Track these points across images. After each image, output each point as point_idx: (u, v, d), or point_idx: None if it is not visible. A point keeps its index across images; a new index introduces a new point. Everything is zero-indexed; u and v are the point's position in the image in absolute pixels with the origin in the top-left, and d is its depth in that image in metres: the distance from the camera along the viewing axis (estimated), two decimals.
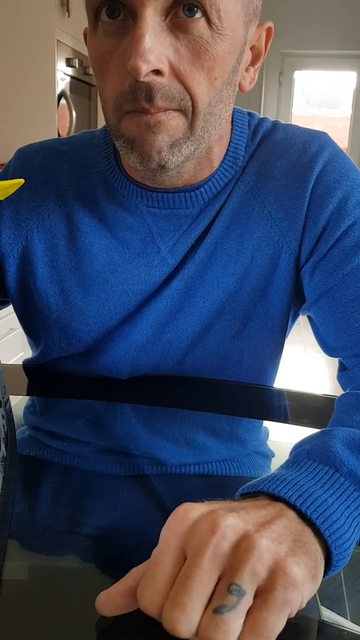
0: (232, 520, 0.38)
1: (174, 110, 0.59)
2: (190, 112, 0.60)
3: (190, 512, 0.39)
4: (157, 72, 0.56)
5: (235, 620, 0.35)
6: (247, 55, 0.65)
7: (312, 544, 0.40)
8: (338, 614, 0.67)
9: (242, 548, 0.37)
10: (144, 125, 0.59)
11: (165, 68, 0.56)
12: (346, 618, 0.68)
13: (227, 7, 0.57)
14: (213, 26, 0.56)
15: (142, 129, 0.59)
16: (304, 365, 3.20)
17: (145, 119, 0.58)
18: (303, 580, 0.37)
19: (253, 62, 0.66)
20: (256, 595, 0.36)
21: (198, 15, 0.56)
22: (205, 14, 0.56)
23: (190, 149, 0.62)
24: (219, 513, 0.38)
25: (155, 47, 0.55)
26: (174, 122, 0.59)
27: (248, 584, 0.36)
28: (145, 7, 0.54)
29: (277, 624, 0.35)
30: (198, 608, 0.35)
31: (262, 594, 0.36)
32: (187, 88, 0.58)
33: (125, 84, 0.58)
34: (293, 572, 0.36)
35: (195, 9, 0.56)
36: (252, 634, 0.35)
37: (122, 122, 0.60)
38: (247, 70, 0.66)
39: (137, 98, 0.57)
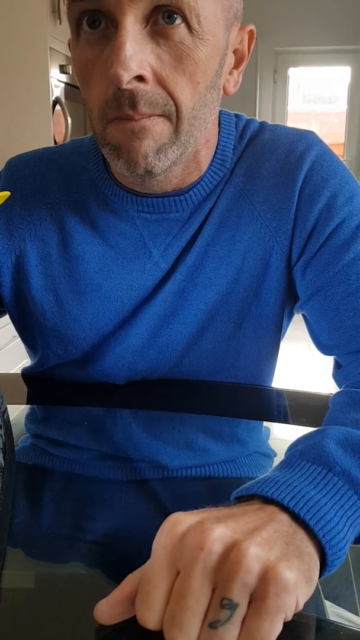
0: (220, 532, 0.38)
1: (158, 115, 0.59)
2: (174, 117, 0.60)
3: (178, 525, 0.39)
4: (140, 78, 0.57)
5: (229, 633, 0.35)
6: (230, 59, 0.65)
7: (305, 547, 0.40)
8: (350, 612, 0.67)
9: (230, 560, 0.37)
10: (129, 131, 0.59)
11: (147, 74, 0.57)
12: (357, 614, 0.68)
13: (206, 12, 0.57)
14: (194, 31, 0.57)
15: (127, 136, 0.60)
16: (308, 362, 3.20)
17: (130, 126, 0.59)
18: (295, 584, 0.37)
19: (237, 65, 0.67)
20: (251, 602, 0.36)
21: (178, 21, 0.56)
22: (185, 20, 0.56)
23: (176, 154, 0.62)
24: (206, 525, 0.38)
25: (137, 54, 0.55)
26: (159, 128, 0.60)
27: (239, 596, 0.36)
28: (125, 16, 0.54)
29: (272, 631, 0.35)
30: (196, 625, 0.36)
31: (255, 601, 0.36)
32: (170, 93, 0.58)
33: (109, 91, 0.58)
34: (285, 577, 0.36)
35: (175, 15, 0.56)
36: None
37: (108, 129, 0.61)
38: (230, 73, 0.66)
39: (121, 105, 0.58)
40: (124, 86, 0.55)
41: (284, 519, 0.41)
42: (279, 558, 0.37)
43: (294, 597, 0.36)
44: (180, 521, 0.40)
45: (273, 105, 5.25)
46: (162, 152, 0.61)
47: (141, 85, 0.57)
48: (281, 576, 0.36)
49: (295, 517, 0.41)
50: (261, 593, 0.36)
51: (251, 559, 0.36)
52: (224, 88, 0.66)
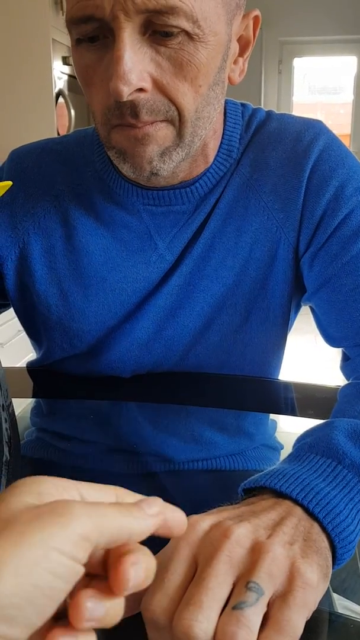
0: (244, 529, 0.38)
1: (161, 121, 0.59)
2: (177, 121, 0.59)
3: (201, 522, 0.39)
4: (140, 89, 0.56)
5: (255, 617, 0.34)
6: (234, 48, 0.63)
7: (321, 541, 0.40)
8: (358, 605, 0.67)
9: (256, 552, 0.37)
10: (133, 138, 0.59)
11: (147, 85, 0.56)
12: None
13: (206, 14, 0.55)
14: (194, 36, 0.55)
15: (131, 142, 0.59)
16: (315, 355, 3.19)
17: (133, 133, 0.59)
18: (317, 582, 0.37)
19: (241, 53, 0.65)
20: (273, 599, 0.36)
21: (176, 31, 0.55)
22: (184, 29, 0.55)
23: (181, 155, 0.62)
24: (229, 522, 0.39)
25: (136, 66, 0.54)
26: (162, 133, 0.59)
27: (266, 583, 0.35)
28: (123, 29, 0.53)
29: (300, 624, 0.35)
30: (215, 607, 0.35)
31: (283, 595, 0.36)
32: (171, 100, 0.58)
33: (111, 99, 0.57)
34: (309, 574, 0.36)
35: (173, 29, 0.55)
36: (279, 634, 0.34)
37: (112, 134, 0.61)
38: (235, 62, 0.65)
39: (123, 114, 0.58)
40: (125, 99, 0.55)
41: (299, 513, 0.41)
42: (300, 555, 0.38)
43: (316, 595, 0.37)
44: (203, 519, 0.40)
45: (278, 96, 5.21)
46: (166, 155, 0.61)
47: (142, 95, 0.56)
48: (306, 573, 0.36)
49: (307, 511, 0.41)
50: (288, 587, 0.36)
51: (276, 552, 0.37)
52: (229, 78, 0.65)
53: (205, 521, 0.39)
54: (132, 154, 0.60)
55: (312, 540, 0.39)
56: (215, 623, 0.34)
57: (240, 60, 0.65)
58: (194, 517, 0.40)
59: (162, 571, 0.37)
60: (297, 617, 0.35)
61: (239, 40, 0.64)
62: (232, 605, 0.34)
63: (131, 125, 0.58)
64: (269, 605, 0.35)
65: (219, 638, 0.33)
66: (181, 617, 0.34)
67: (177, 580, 0.36)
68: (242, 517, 0.40)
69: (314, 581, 0.36)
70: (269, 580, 0.36)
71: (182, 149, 0.61)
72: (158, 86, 0.57)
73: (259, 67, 4.77)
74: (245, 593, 0.35)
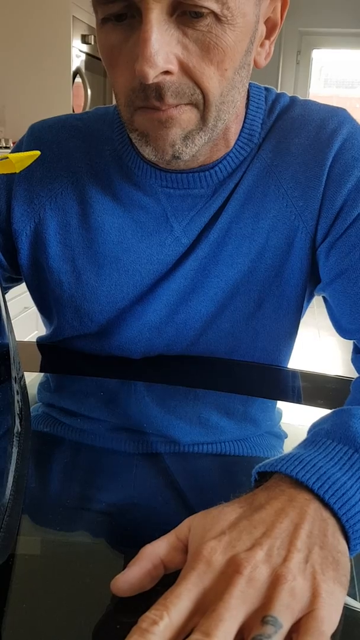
0: (258, 558, 0.37)
1: (186, 104, 0.58)
2: (202, 105, 0.59)
3: (214, 555, 0.38)
4: (166, 72, 0.56)
5: None
6: (261, 31, 0.63)
7: (337, 543, 0.40)
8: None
9: (272, 584, 0.36)
10: (156, 121, 0.59)
11: (173, 68, 0.56)
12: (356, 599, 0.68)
13: None
14: (222, 18, 0.55)
15: (154, 125, 0.59)
16: (317, 348, 3.19)
17: (157, 116, 0.58)
18: (338, 597, 0.36)
19: (268, 35, 0.65)
20: (294, 625, 0.35)
21: (206, 11, 0.54)
22: (213, 10, 0.54)
23: (204, 139, 0.62)
24: (242, 556, 0.37)
25: (162, 49, 0.54)
26: (186, 116, 0.59)
27: (284, 616, 0.34)
28: (151, 9, 0.53)
29: None
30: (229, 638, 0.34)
31: (305, 624, 0.35)
32: (197, 83, 0.57)
33: (135, 81, 0.57)
34: (327, 594, 0.36)
35: (203, 11, 0.54)
36: None
37: (135, 117, 0.60)
38: (262, 45, 0.64)
39: (148, 97, 0.57)
40: (150, 82, 0.55)
41: (313, 510, 0.40)
42: (319, 570, 0.37)
43: (338, 609, 0.36)
44: (215, 550, 0.38)
45: (295, 88, 5.17)
46: (189, 139, 0.60)
47: (167, 78, 0.56)
48: (325, 593, 0.36)
49: (320, 500, 0.41)
50: (309, 608, 0.35)
51: (293, 581, 0.36)
52: (255, 61, 0.64)
53: (218, 554, 0.38)
54: (154, 137, 0.60)
55: (328, 546, 0.39)
56: None
57: (267, 43, 0.65)
58: (207, 548, 0.38)
59: (168, 600, 0.36)
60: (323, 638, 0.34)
61: (266, 22, 0.63)
62: (251, 637, 0.34)
63: (155, 108, 0.58)
64: (291, 628, 0.35)
65: None
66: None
67: (183, 612, 0.35)
68: (253, 537, 0.39)
69: (335, 598, 0.36)
70: (286, 612, 0.35)
71: (205, 133, 0.61)
72: (184, 69, 0.56)
73: (277, 57, 4.73)
74: (261, 627, 0.34)
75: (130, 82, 0.58)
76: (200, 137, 0.61)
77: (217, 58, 0.57)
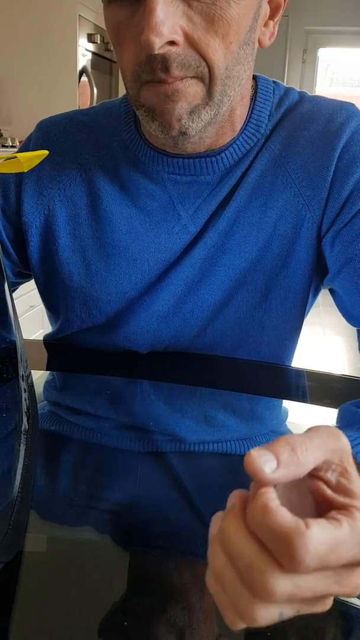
0: None
1: (191, 77, 0.59)
2: (207, 78, 0.60)
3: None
4: (172, 42, 0.56)
5: None
6: (265, 10, 0.64)
7: None
8: None
9: None
10: (163, 94, 0.59)
11: (179, 38, 0.56)
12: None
13: None
14: None
15: (161, 99, 0.60)
16: (323, 347, 3.19)
17: (163, 89, 0.59)
18: None
19: (272, 16, 0.65)
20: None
21: None
22: None
23: (210, 114, 0.62)
24: None
25: (168, 19, 0.55)
26: (192, 89, 0.60)
27: None
28: None
29: None
30: None
31: None
32: (202, 55, 0.58)
33: (141, 55, 0.58)
34: None
35: None
36: None
37: (142, 92, 0.61)
38: (266, 25, 0.65)
39: (154, 69, 0.58)
40: (156, 52, 0.55)
41: None
42: None
43: None
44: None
45: (301, 86, 5.17)
46: (195, 113, 0.61)
47: (173, 49, 0.57)
48: None
49: None
50: None
51: None
52: (259, 41, 0.65)
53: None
54: (161, 111, 0.61)
55: None
56: None
57: (271, 23, 0.66)
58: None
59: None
60: None
61: (270, 2, 0.64)
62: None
63: (161, 80, 0.58)
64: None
65: None
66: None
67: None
68: None
69: None
70: None
71: (211, 108, 0.62)
72: (189, 41, 0.57)
73: (284, 55, 4.72)
74: None
75: (137, 57, 0.59)
76: (206, 111, 0.62)
77: (222, 30, 0.58)
